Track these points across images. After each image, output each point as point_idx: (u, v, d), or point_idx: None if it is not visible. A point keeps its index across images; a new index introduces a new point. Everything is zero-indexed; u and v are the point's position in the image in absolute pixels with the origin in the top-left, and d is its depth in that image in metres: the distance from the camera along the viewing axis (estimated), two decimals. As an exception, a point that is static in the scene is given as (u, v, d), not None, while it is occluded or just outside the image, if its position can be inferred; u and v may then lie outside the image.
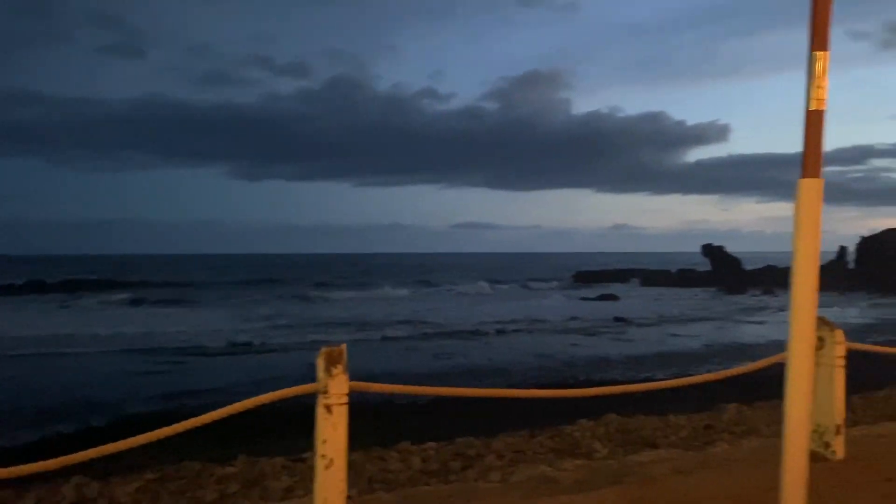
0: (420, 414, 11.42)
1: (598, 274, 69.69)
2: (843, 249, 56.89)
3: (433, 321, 30.96)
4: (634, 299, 46.18)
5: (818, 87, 2.18)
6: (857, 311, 37.38)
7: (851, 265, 55.32)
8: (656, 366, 18.53)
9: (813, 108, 2.20)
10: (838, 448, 4.23)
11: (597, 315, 34.68)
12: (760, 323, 31.12)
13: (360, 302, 42.91)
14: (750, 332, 27.78)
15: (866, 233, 56.72)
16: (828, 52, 2.18)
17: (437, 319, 31.72)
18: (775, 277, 52.69)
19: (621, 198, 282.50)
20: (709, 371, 7.41)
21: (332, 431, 3.04)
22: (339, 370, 3.05)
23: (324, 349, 3.09)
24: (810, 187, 2.22)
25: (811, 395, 2.22)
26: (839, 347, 4.21)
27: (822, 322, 4.30)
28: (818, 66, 2.18)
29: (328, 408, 3.05)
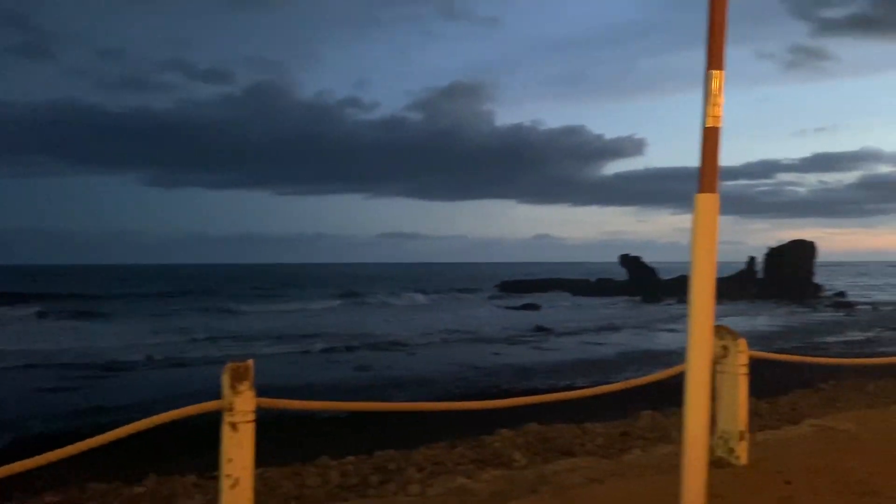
0: (342, 427, 11.25)
1: (521, 284, 70.65)
2: (752, 260, 59.48)
3: (357, 332, 30.68)
4: (556, 309, 46.98)
5: (714, 104, 2.25)
6: (765, 318, 39.08)
7: (760, 275, 57.88)
8: (576, 374, 18.85)
9: (709, 125, 2.27)
10: (742, 453, 4.38)
11: (520, 324, 35.11)
12: (675, 331, 32.11)
13: (281, 314, 42.12)
14: (665, 340, 28.63)
15: (774, 244, 59.56)
16: (723, 71, 2.26)
17: (361, 330, 31.46)
18: (688, 287, 54.35)
19: (543, 208, 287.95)
20: (627, 378, 7.59)
21: (237, 450, 2.94)
22: (245, 387, 2.96)
23: (229, 364, 2.99)
24: (706, 202, 2.29)
25: (709, 403, 2.28)
26: (742, 356, 4.37)
27: (725, 331, 4.45)
28: (714, 85, 2.25)
29: (233, 426, 2.95)
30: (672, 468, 4.80)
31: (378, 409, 4.59)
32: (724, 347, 4.40)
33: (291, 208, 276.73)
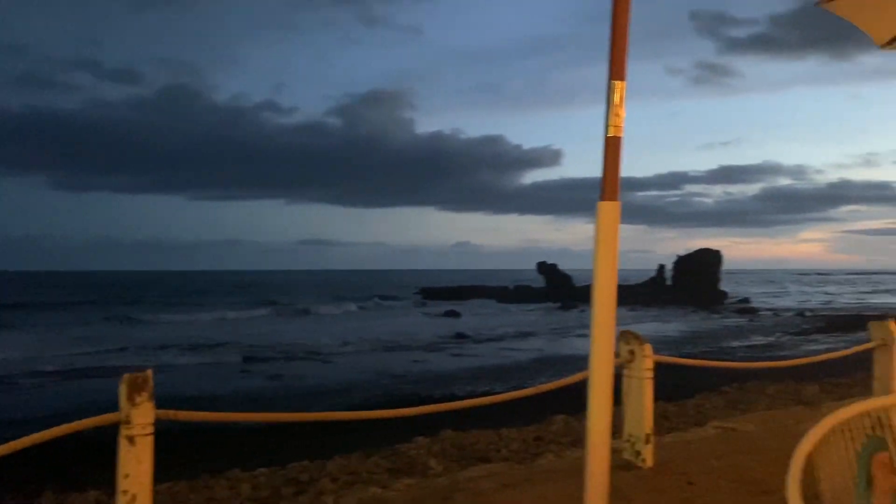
0: (254, 439, 10.96)
1: (442, 291, 70.93)
2: (661, 267, 61.69)
3: (272, 342, 30.04)
4: (476, 316, 47.33)
5: (616, 114, 2.31)
6: (674, 324, 40.49)
7: (669, 282, 60.01)
8: (495, 380, 19.03)
9: (611, 134, 2.32)
10: (648, 456, 4.50)
11: (440, 332, 35.20)
12: (588, 336, 32.81)
13: (194, 323, 40.83)
14: (581, 345, 29.26)
15: (682, 252, 61.95)
16: (624, 82, 2.31)
17: (278, 340, 30.83)
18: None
19: (463, 216, 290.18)
20: (542, 383, 7.68)
21: (135, 465, 2.81)
22: (143, 398, 2.83)
23: (126, 375, 2.86)
24: (608, 209, 2.34)
25: (611, 407, 2.32)
26: (647, 360, 4.49)
27: (632, 336, 4.57)
28: (616, 95, 2.30)
29: (131, 439, 2.82)
30: (582, 472, 4.90)
31: (285, 420, 4.50)
32: (631, 352, 4.51)
33: (206, 214, 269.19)
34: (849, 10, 4.68)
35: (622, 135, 2.32)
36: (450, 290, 70.60)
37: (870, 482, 1.76)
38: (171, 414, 2.97)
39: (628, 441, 4.51)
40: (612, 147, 2.33)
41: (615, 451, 4.70)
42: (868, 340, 6.29)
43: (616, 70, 2.29)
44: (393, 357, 25.82)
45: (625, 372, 4.56)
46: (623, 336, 4.61)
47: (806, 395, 10.91)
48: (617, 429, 4.83)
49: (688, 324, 41.02)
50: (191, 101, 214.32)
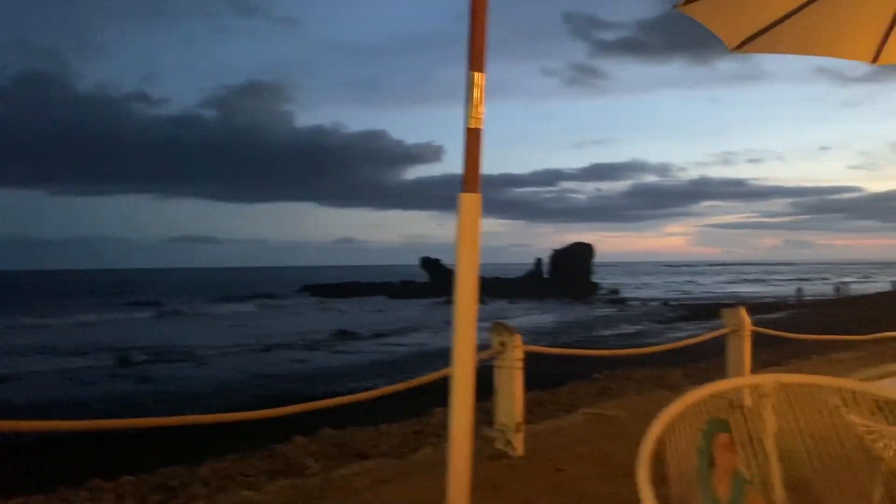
0: (121, 445, 10.38)
1: (325, 288, 69.99)
2: (538, 261, 63.67)
3: (144, 343, 28.63)
4: (359, 312, 47.06)
5: (476, 106, 2.30)
6: (551, 315, 41.86)
7: (546, 275, 62.02)
8: (378, 375, 18.96)
9: (472, 126, 2.31)
10: (519, 445, 4.58)
11: (323, 329, 34.75)
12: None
13: (58, 326, 38.26)
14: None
15: (558, 246, 64.19)
16: (484, 74, 2.31)
17: (150, 341, 29.41)
18: (484, 288, 57.26)
19: (346, 212, 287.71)
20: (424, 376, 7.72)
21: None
22: (-27, 409, 2.57)
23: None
24: (470, 202, 2.34)
25: (474, 399, 2.32)
26: (518, 351, 4.57)
27: (503, 328, 4.65)
28: (476, 87, 2.30)
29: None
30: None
31: (151, 425, 4.25)
32: (502, 343, 4.58)
33: (69, 209, 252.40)
34: (705, 14, 4.94)
35: (483, 126, 2.32)
36: (334, 287, 69.80)
37: (712, 463, 1.84)
38: (9, 425, 2.72)
39: (500, 431, 4.58)
40: (472, 139, 2.32)
41: (488, 441, 4.77)
42: (722, 327, 6.70)
43: (475, 62, 2.29)
44: (274, 357, 25.25)
45: (496, 363, 4.63)
46: (495, 328, 4.68)
47: (670, 379, 11.51)
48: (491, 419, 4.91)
49: (563, 314, 42.53)
50: (52, 90, 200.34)
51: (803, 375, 2.28)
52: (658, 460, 1.99)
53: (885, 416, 2.36)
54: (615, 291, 64.42)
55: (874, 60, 5.57)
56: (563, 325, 35.42)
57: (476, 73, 2.29)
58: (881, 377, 3.85)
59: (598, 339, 28.67)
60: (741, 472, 1.85)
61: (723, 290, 71.12)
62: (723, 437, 1.85)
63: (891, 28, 5.23)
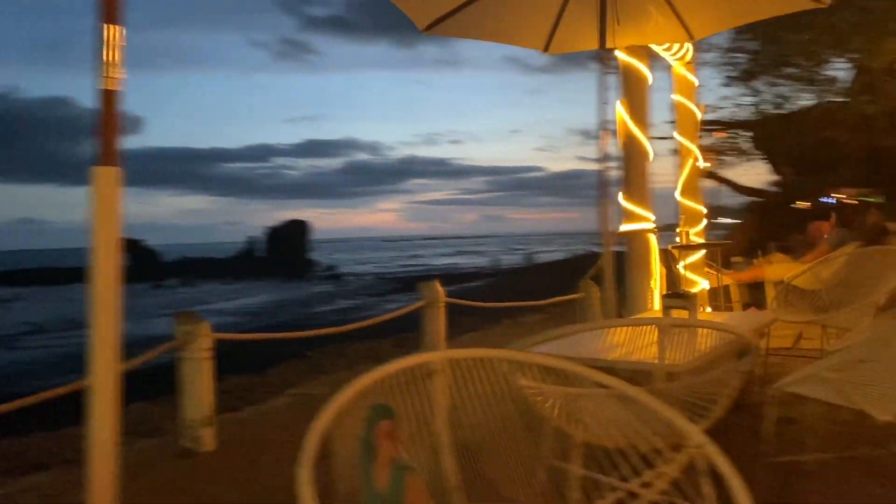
0: None
1: (-1, 276, 61.08)
2: (251, 240, 62.03)
3: None
4: (43, 302, 41.81)
5: (111, 64, 1.96)
6: (265, 295, 41.02)
7: (262, 254, 60.66)
8: (58, 374, 16.92)
9: (107, 87, 1.97)
10: (209, 440, 4.27)
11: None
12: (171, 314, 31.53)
13: None
14: (165, 325, 27.88)
15: (273, 224, 63.04)
16: (120, 27, 1.97)
17: None
18: (193, 269, 54.50)
19: (26, 189, 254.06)
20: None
21: None
22: None
23: None
24: (107, 176, 2.00)
25: (117, 409, 2.01)
26: (205, 340, 4.24)
27: (188, 317, 4.27)
28: (109, 42, 1.95)
29: None
30: (144, 463, 4.45)
31: None
32: (188, 333, 4.21)
33: None
34: (400, -5, 4.97)
35: (119, 87, 1.99)
36: (8, 275, 61.25)
37: (374, 453, 1.76)
38: None
39: (188, 427, 4.22)
40: (108, 102, 1.97)
41: (175, 439, 4.37)
42: (420, 300, 6.93)
43: (109, 13, 1.94)
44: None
45: (181, 355, 4.24)
46: (178, 317, 4.29)
47: (381, 352, 11.82)
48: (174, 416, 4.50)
49: (278, 293, 41.93)
50: None
51: (473, 349, 2.32)
52: (328, 455, 1.88)
53: (553, 379, 2.51)
54: (331, 268, 65.05)
55: (545, 49, 6.09)
56: (276, 305, 34.85)
57: (110, 26, 1.94)
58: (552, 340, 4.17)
59: (316, 315, 28.73)
60: (402, 458, 1.79)
61: (431, 263, 75.56)
62: (384, 424, 1.77)
63: (558, 19, 5.73)
